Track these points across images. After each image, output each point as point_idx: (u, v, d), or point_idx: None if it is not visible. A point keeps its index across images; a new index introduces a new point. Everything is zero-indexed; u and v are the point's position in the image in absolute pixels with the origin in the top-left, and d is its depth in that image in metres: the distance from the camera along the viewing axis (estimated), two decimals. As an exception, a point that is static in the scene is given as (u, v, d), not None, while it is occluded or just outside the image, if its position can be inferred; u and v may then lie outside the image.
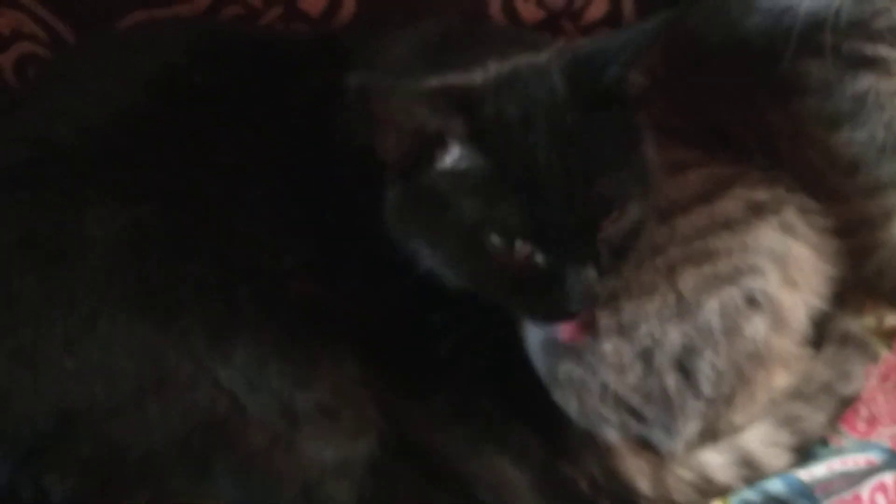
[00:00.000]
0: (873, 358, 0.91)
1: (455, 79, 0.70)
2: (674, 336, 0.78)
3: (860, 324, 0.93)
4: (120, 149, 0.74)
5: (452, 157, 0.68)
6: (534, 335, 0.83)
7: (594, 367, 0.79)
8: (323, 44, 0.87)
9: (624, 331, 0.79)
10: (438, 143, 0.68)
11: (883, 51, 0.82)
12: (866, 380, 0.89)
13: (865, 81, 0.82)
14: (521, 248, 0.68)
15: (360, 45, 0.83)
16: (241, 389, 0.69)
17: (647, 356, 0.79)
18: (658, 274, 0.79)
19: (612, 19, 0.97)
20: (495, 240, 0.68)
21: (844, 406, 0.86)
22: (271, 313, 0.71)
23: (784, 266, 0.82)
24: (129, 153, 0.73)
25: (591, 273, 0.69)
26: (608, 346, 0.79)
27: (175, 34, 0.85)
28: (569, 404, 0.81)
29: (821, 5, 0.79)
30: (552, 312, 0.72)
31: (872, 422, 0.87)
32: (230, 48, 0.84)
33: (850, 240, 0.89)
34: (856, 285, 0.93)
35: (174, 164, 0.74)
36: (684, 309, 0.78)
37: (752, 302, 0.79)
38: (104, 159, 0.73)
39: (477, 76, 0.70)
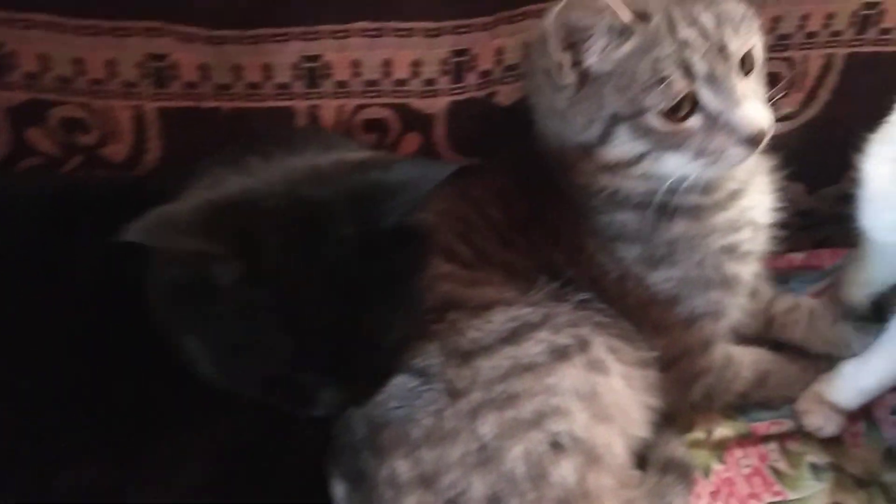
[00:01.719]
0: (703, 474, 0.93)
1: (233, 195, 0.68)
2: (478, 486, 0.76)
3: (686, 444, 0.94)
4: None
5: (225, 279, 0.66)
6: (340, 489, 0.81)
7: (399, 522, 0.77)
8: (126, 190, 0.84)
9: (427, 482, 0.77)
10: (214, 273, 0.66)
11: (693, 199, 0.86)
12: (696, 499, 0.90)
13: (678, 228, 0.86)
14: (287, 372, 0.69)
15: (167, 187, 0.81)
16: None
17: (452, 508, 0.76)
18: (460, 419, 0.78)
19: (426, 150, 0.98)
20: (255, 359, 0.68)
21: (669, 535, 0.86)
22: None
23: (593, 403, 0.81)
24: None
25: (345, 391, 0.71)
26: (411, 499, 0.76)
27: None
28: (376, 561, 0.78)
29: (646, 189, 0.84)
30: (300, 413, 0.73)
31: (704, 540, 0.87)
32: (18, 205, 0.81)
33: (676, 369, 0.92)
34: (686, 409, 0.96)
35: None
36: (488, 457, 0.76)
37: (557, 446, 0.78)
38: None
39: (259, 193, 0.69)
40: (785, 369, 1.01)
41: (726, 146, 0.78)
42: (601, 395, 0.82)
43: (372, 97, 0.92)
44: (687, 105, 0.77)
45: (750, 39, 0.79)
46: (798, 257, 1.19)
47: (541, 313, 0.83)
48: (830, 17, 0.97)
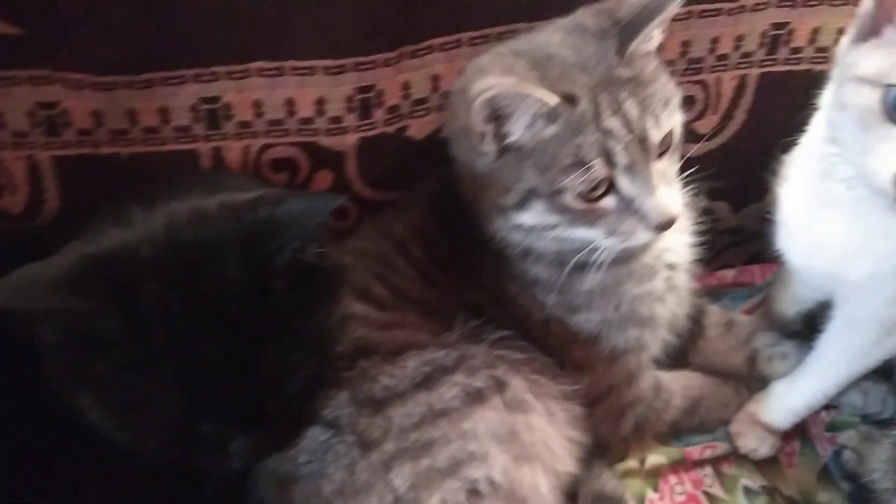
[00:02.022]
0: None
1: (107, 247, 0.66)
2: (395, 541, 0.74)
3: (619, 474, 0.93)
4: None
5: (106, 335, 0.63)
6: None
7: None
8: (25, 242, 0.80)
9: (339, 540, 0.74)
10: (93, 329, 0.63)
11: (605, 254, 0.85)
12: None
13: (591, 281, 0.85)
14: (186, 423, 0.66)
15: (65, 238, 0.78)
16: None
17: (367, 567, 0.74)
18: (373, 472, 0.75)
19: (339, 188, 0.95)
20: (151, 414, 0.65)
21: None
22: None
23: (514, 444, 0.79)
24: None
25: (257, 437, 0.68)
26: (324, 558, 0.74)
27: None
28: None
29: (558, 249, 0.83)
30: (215, 466, 0.71)
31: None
32: None
33: (604, 404, 0.92)
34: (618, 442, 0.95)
35: None
36: (403, 510, 0.75)
37: (475, 493, 0.76)
38: None
39: (136, 242, 0.66)
40: (717, 392, 1.00)
41: (636, 229, 0.78)
42: (522, 435, 0.80)
43: (277, 136, 0.90)
44: (603, 186, 0.76)
45: (672, 120, 0.78)
46: (729, 274, 1.19)
47: (455, 356, 0.81)
48: (740, 38, 0.96)
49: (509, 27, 0.89)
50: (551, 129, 0.75)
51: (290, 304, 0.68)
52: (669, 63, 0.96)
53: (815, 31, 0.97)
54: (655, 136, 0.76)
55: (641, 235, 0.79)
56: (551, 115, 0.75)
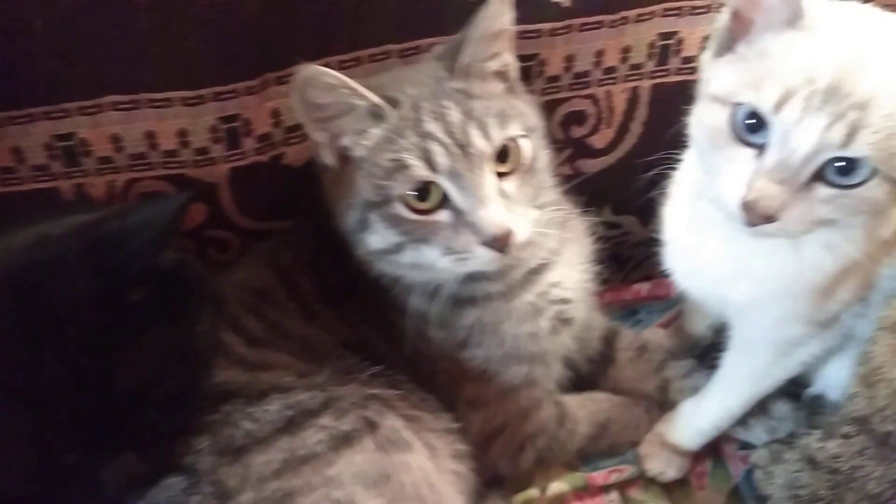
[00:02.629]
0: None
1: None
2: None
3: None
4: None
5: None
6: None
7: None
8: None
9: None
10: None
11: (481, 287, 0.84)
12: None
13: (470, 317, 0.84)
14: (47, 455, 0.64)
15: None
16: None
17: None
18: (229, 526, 0.72)
19: (216, 220, 0.92)
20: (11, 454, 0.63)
21: None
22: None
23: (387, 486, 0.76)
24: None
25: (129, 459, 0.67)
26: None
27: None
28: None
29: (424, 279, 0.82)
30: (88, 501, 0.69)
31: None
32: None
33: (501, 439, 0.90)
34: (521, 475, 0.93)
35: None
36: (260, 571, 0.71)
37: (341, 543, 0.73)
38: None
39: None
40: (627, 414, 0.98)
41: (471, 246, 0.75)
42: (398, 476, 0.77)
43: (142, 170, 0.86)
44: (436, 199, 0.74)
45: (507, 133, 0.76)
46: (644, 288, 1.16)
47: (322, 398, 0.78)
48: (627, 50, 0.93)
49: (380, 48, 0.86)
50: (377, 133, 0.75)
51: (149, 315, 0.66)
52: (554, 78, 0.93)
53: (706, 40, 0.93)
54: (481, 144, 0.74)
55: (478, 253, 0.75)
56: (376, 118, 0.75)
